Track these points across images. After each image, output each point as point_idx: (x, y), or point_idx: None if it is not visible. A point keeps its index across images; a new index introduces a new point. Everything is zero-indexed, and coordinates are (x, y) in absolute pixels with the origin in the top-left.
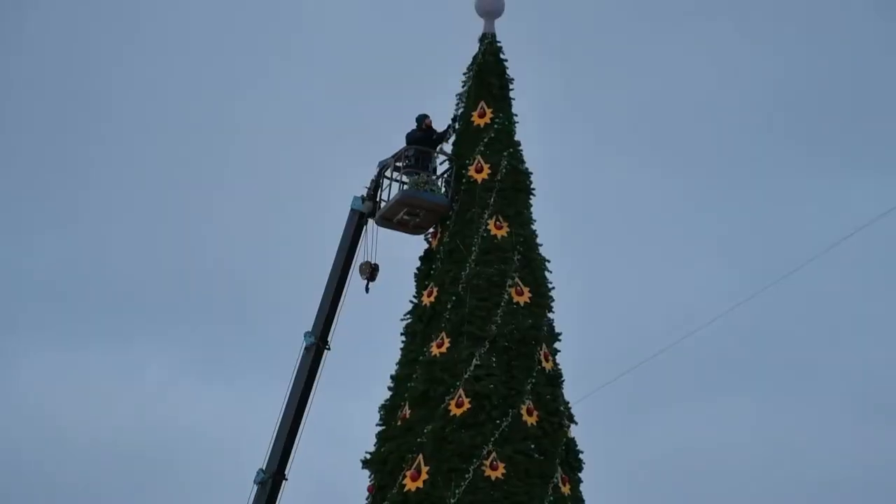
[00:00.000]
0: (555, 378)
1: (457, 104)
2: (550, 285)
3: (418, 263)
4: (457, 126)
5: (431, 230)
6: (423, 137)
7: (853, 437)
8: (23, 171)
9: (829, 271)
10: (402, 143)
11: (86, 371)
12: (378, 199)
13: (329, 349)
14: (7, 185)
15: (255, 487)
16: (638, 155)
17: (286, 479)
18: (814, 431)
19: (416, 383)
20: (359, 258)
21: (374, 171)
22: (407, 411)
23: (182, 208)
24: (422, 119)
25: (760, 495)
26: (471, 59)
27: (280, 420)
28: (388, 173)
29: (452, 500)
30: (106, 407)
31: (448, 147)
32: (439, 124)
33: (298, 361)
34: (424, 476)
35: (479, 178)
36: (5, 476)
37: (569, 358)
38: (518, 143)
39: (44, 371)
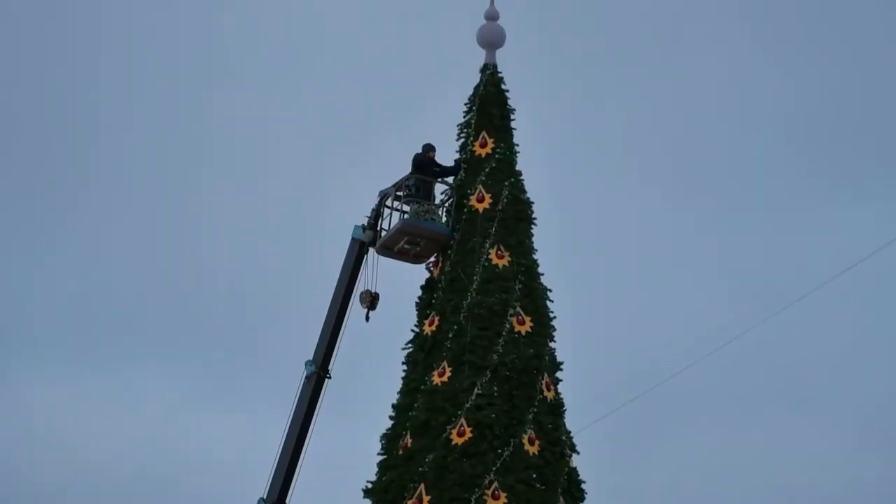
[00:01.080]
0: (556, 407)
1: (458, 134)
2: (552, 315)
3: (419, 292)
4: (461, 170)
5: (432, 259)
6: (426, 165)
7: (858, 465)
8: (25, 195)
9: (836, 299)
10: (404, 173)
11: (88, 396)
12: (379, 228)
13: (330, 378)
14: (10, 210)
15: None
16: (641, 182)
17: None
18: (819, 460)
19: (417, 412)
20: (359, 287)
21: (374, 200)
22: (408, 440)
23: (185, 235)
24: (427, 149)
25: None
26: (472, 90)
27: (281, 449)
28: (388, 202)
29: None
30: (109, 431)
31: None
32: (443, 155)
33: (299, 390)
34: None
35: (481, 207)
36: (10, 500)
37: (571, 387)
38: (519, 173)
39: (47, 395)
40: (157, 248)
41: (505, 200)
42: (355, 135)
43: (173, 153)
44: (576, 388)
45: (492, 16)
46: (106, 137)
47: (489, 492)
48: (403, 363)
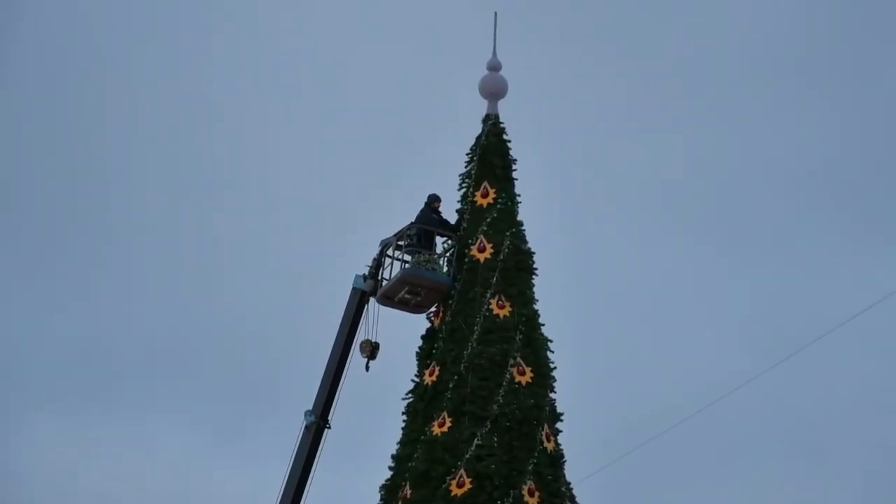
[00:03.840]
0: (556, 458)
1: (460, 184)
2: (552, 365)
3: (420, 342)
4: (460, 231)
5: (433, 309)
6: (432, 221)
7: None
8: (34, 241)
9: (846, 345)
10: (405, 223)
11: (100, 443)
12: (380, 278)
13: (329, 427)
14: (19, 257)
15: None
16: (642, 233)
17: None
18: None
19: (417, 463)
20: (360, 336)
21: (375, 250)
22: (408, 491)
23: (193, 283)
24: (433, 199)
25: None
26: (474, 140)
27: (280, 498)
28: (389, 252)
29: None
30: (121, 478)
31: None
32: (447, 206)
33: (298, 439)
34: None
35: (482, 257)
36: None
37: (571, 438)
38: (521, 223)
39: (60, 441)
40: (164, 297)
41: (506, 250)
42: (357, 184)
43: (182, 197)
44: (576, 438)
45: (494, 66)
46: (118, 186)
47: None
48: (403, 413)
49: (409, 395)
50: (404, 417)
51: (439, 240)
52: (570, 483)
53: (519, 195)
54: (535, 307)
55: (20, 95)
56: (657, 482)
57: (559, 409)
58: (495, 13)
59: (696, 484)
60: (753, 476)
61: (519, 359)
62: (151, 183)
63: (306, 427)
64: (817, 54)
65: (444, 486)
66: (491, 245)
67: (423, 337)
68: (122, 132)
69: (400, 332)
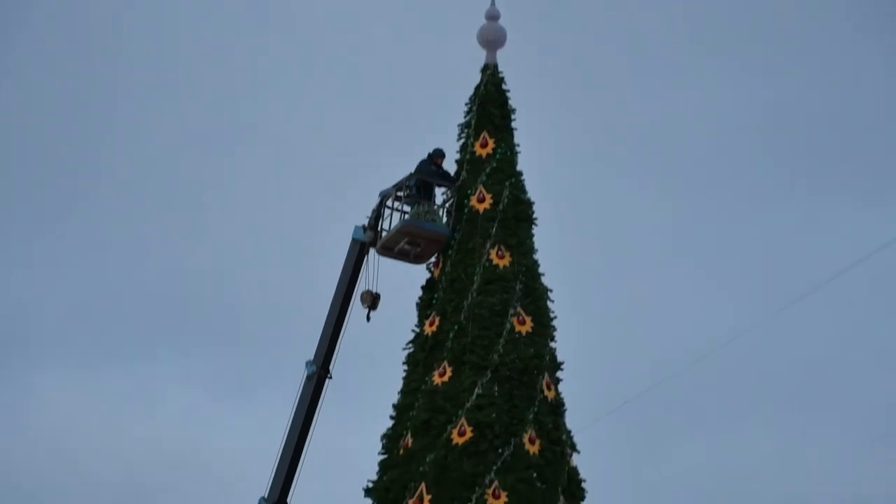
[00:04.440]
0: (557, 407)
1: (459, 134)
2: (552, 315)
3: (420, 293)
4: (459, 181)
5: (433, 260)
6: (431, 172)
7: (865, 463)
8: (38, 191)
9: (842, 296)
10: (406, 173)
11: (104, 393)
12: (379, 229)
13: (331, 378)
14: (23, 209)
15: None
16: (641, 181)
17: None
18: (826, 457)
19: (418, 412)
20: (360, 287)
21: (375, 201)
22: (409, 440)
23: (195, 234)
24: (436, 155)
25: None
26: (473, 90)
27: (282, 448)
28: (389, 203)
29: None
30: (124, 429)
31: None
32: (448, 159)
33: (300, 390)
34: None
35: (481, 208)
36: (22, 498)
37: (571, 387)
38: (520, 173)
39: (61, 393)
40: (170, 248)
41: (506, 200)
42: (356, 135)
43: (185, 152)
44: (576, 387)
45: (492, 15)
46: (120, 135)
47: (490, 491)
48: (404, 363)
49: (410, 346)
50: (405, 367)
51: (439, 190)
52: (570, 431)
53: (518, 145)
54: (535, 257)
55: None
56: (657, 430)
57: (559, 359)
58: None
59: (695, 432)
60: (752, 425)
61: (519, 308)
62: (152, 132)
63: (308, 377)
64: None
65: (444, 435)
66: (490, 195)
67: (423, 287)
68: (129, 73)
69: (400, 282)
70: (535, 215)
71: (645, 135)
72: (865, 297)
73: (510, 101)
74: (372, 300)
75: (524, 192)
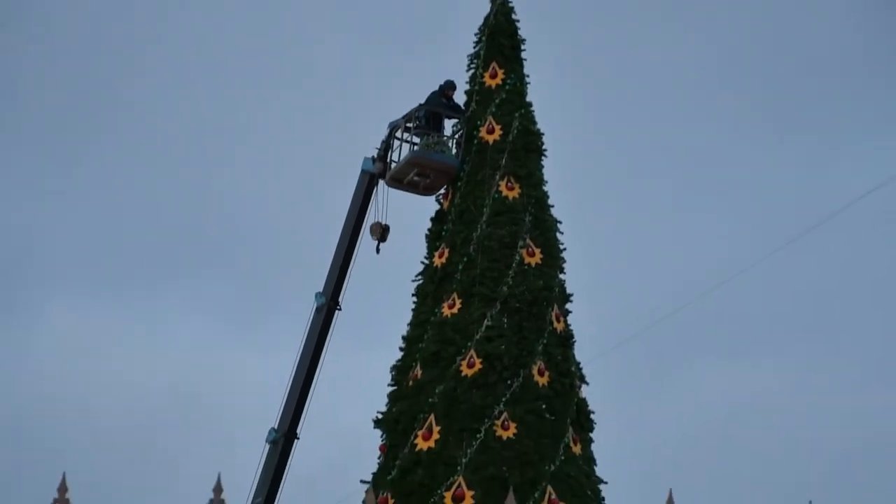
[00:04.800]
0: (566, 339)
1: (468, 65)
2: (562, 246)
3: (429, 224)
4: (469, 112)
5: (442, 191)
6: (441, 104)
7: (879, 394)
8: (48, 124)
9: (855, 225)
10: (415, 104)
11: (112, 323)
12: (389, 161)
13: (340, 309)
14: (34, 142)
15: (267, 447)
16: (652, 111)
17: (298, 439)
18: (837, 388)
19: (427, 344)
20: (370, 219)
21: (385, 133)
22: (418, 371)
23: (206, 168)
24: (447, 87)
25: (775, 454)
26: (483, 20)
27: (291, 380)
28: (398, 134)
29: (464, 460)
30: (132, 358)
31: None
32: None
33: (310, 321)
34: (436, 436)
35: (491, 139)
36: (32, 427)
37: (580, 319)
38: (530, 104)
39: (69, 322)
40: (180, 177)
41: (515, 132)
42: (365, 65)
43: (192, 84)
44: (585, 319)
45: None
46: (132, 67)
47: (499, 422)
48: (413, 295)
49: (419, 277)
50: (414, 299)
51: (448, 122)
52: (579, 363)
53: (528, 76)
54: (545, 188)
55: None
56: (666, 362)
57: (569, 290)
58: None
59: (704, 364)
60: (762, 356)
61: (528, 240)
62: (161, 64)
63: (317, 309)
64: None
65: (454, 366)
66: (500, 126)
67: (432, 219)
68: (139, 8)
69: (409, 214)
70: (544, 146)
71: (655, 65)
72: (880, 226)
73: (520, 32)
74: (381, 232)
75: (534, 123)
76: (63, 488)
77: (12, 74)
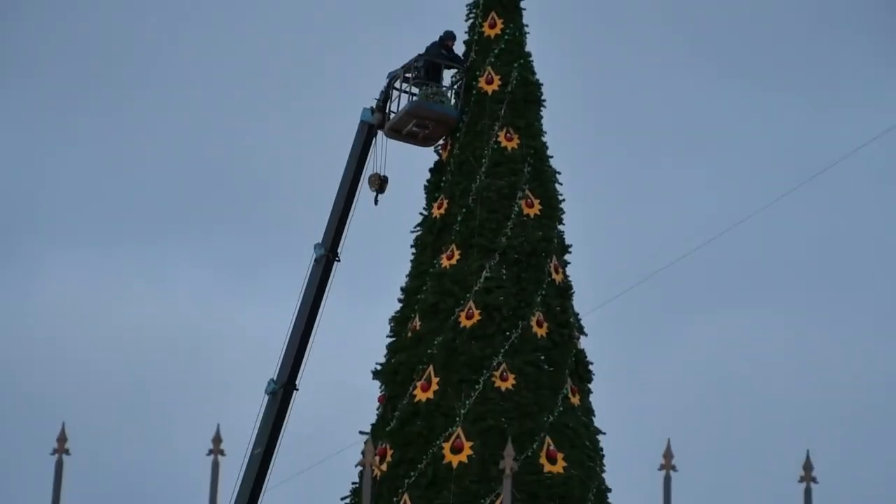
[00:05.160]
0: (564, 290)
1: (467, 15)
2: (561, 197)
3: (428, 175)
4: (468, 62)
5: (441, 142)
6: (440, 55)
7: (881, 345)
8: (49, 72)
9: (854, 177)
10: (413, 55)
11: (113, 273)
12: (387, 111)
13: (339, 261)
14: (35, 89)
15: (267, 398)
16: (649, 60)
17: (297, 390)
18: (837, 340)
19: (426, 295)
20: (368, 170)
21: (383, 83)
22: (417, 322)
23: (205, 121)
24: (447, 37)
25: (776, 405)
26: None
27: (290, 331)
28: (397, 85)
29: (463, 411)
30: (138, 315)
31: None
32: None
33: (308, 273)
34: (435, 387)
35: (490, 89)
36: (32, 377)
37: (579, 270)
38: (529, 55)
39: (70, 272)
40: (177, 129)
41: (514, 82)
42: (362, 14)
43: (192, 35)
44: (584, 270)
45: None
46: (141, 18)
47: (497, 373)
48: (412, 246)
49: (418, 228)
50: (413, 250)
51: (447, 72)
52: (578, 314)
53: (527, 26)
54: (544, 139)
55: None
56: (665, 313)
57: (567, 242)
58: None
59: (705, 314)
60: (760, 307)
61: (527, 191)
62: (167, 13)
63: (316, 260)
64: None
65: (452, 317)
66: (499, 77)
67: (431, 170)
68: None
69: (408, 165)
70: (543, 97)
71: (659, 13)
72: (884, 173)
73: None
74: (380, 183)
75: (533, 73)
76: (62, 438)
77: (25, 15)
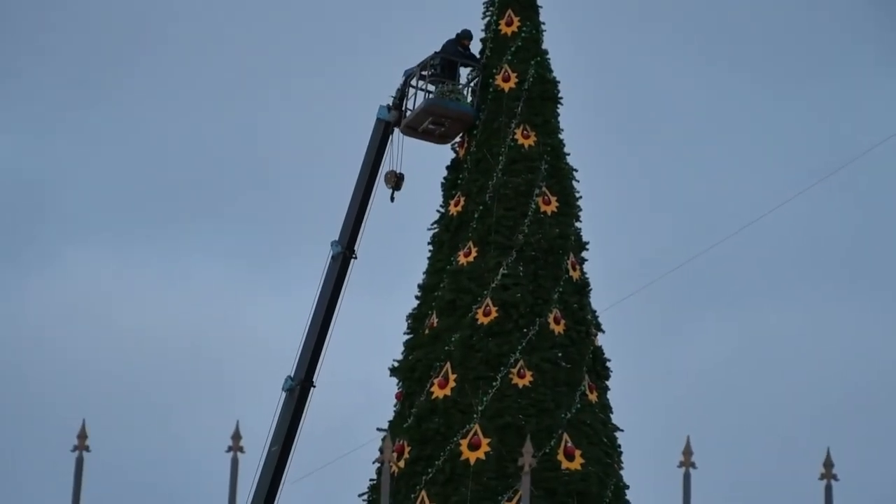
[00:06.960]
0: (582, 287)
1: (484, 13)
2: (578, 194)
3: (445, 173)
4: (484, 60)
5: (458, 139)
6: (456, 52)
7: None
8: (68, 68)
9: (877, 170)
10: (430, 52)
11: (132, 274)
12: (404, 109)
13: (356, 258)
14: (54, 85)
15: (284, 395)
16: (669, 57)
17: (314, 387)
18: (855, 335)
19: (443, 292)
20: (385, 167)
21: (400, 80)
22: (434, 320)
23: (222, 114)
24: (463, 36)
25: (794, 402)
26: None
27: (307, 328)
28: (413, 82)
29: (480, 408)
30: (153, 309)
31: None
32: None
33: (325, 270)
34: (452, 384)
35: (506, 87)
36: (51, 374)
37: (596, 267)
38: (545, 52)
39: (90, 265)
40: (197, 121)
41: (531, 79)
42: (380, 12)
43: (210, 29)
44: (601, 267)
45: None
46: (158, 8)
47: (514, 370)
48: (429, 243)
49: (435, 226)
50: (430, 248)
51: (464, 70)
52: (595, 311)
53: (544, 23)
54: (561, 136)
55: None
56: (684, 310)
57: (585, 239)
58: None
59: (722, 311)
60: (779, 304)
61: (544, 188)
62: (185, 6)
63: (333, 257)
64: None
65: (470, 314)
66: (515, 74)
67: (447, 167)
68: None
69: (425, 162)
70: (560, 94)
71: (677, 9)
72: None
73: None
74: (396, 180)
75: (549, 70)
76: (83, 435)
77: (40, 7)
